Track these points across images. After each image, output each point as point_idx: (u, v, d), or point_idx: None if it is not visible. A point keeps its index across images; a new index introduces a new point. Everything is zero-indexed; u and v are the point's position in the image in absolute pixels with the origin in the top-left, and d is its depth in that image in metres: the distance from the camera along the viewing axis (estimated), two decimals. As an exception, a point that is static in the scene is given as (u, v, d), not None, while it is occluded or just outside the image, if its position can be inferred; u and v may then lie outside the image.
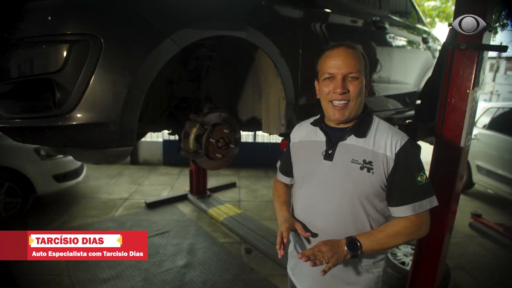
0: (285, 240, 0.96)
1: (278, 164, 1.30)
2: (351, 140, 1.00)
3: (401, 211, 0.97)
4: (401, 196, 0.97)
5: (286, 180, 1.26)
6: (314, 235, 1.04)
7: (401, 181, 0.96)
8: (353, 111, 0.99)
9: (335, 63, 0.97)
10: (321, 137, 1.07)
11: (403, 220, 0.97)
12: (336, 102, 0.98)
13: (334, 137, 1.04)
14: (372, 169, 0.96)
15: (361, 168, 0.97)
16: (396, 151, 0.95)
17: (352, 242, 0.94)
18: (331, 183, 1.02)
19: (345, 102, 0.97)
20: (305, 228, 1.06)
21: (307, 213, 1.08)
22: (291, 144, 1.19)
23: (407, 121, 3.00)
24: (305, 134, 1.13)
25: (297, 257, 0.93)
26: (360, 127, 1.01)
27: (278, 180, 1.30)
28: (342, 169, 1.00)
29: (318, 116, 1.13)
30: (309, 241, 1.07)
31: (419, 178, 0.96)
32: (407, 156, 0.96)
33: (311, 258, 0.90)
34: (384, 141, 0.97)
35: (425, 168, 0.99)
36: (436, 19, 10.93)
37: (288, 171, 1.22)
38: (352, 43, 1.01)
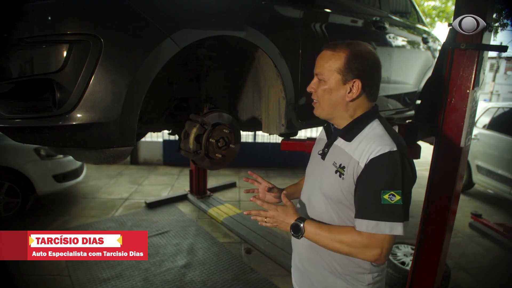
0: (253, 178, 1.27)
1: None
2: (340, 142, 1.00)
3: (356, 223, 0.91)
4: (359, 207, 0.91)
5: None
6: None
7: (363, 192, 0.89)
8: (324, 110, 1.00)
9: (315, 63, 1.00)
10: (324, 136, 1.12)
11: (355, 232, 0.90)
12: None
13: (332, 138, 1.06)
14: (343, 174, 0.93)
15: (335, 172, 0.96)
16: (367, 160, 0.88)
17: (296, 227, 0.96)
18: (317, 181, 1.04)
19: (315, 101, 1.01)
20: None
21: (300, 207, 1.13)
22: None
23: (407, 121, 2.99)
24: (322, 133, 1.18)
25: (244, 213, 1.04)
26: (349, 130, 0.98)
27: None
28: (325, 170, 1.01)
29: None
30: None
31: (385, 196, 0.85)
32: (379, 168, 0.87)
33: (253, 214, 1.01)
34: (363, 148, 0.91)
35: (400, 190, 0.86)
36: (436, 19, 10.93)
37: None
38: (340, 42, 0.97)
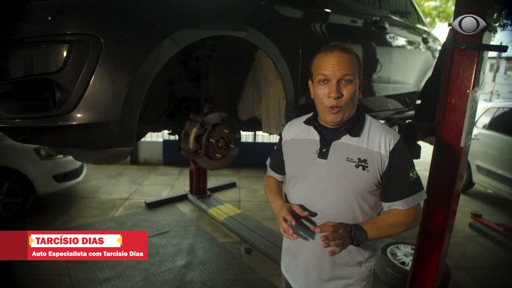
0: (293, 223, 0.98)
1: (268, 161, 1.31)
2: (346, 139, 1.03)
3: (396, 206, 1.02)
4: (397, 192, 1.01)
5: (277, 177, 1.28)
6: (311, 226, 1.07)
7: (396, 178, 1.00)
8: (346, 113, 1.01)
9: (329, 67, 0.97)
10: (314, 135, 1.08)
11: (401, 211, 1.02)
12: (331, 106, 0.99)
13: (328, 136, 1.06)
14: (367, 167, 0.99)
15: (356, 166, 1.00)
16: (390, 149, 0.99)
17: (358, 231, 0.98)
18: (327, 181, 1.03)
19: (340, 106, 0.98)
20: (300, 218, 1.08)
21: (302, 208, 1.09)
22: (283, 142, 1.19)
23: (407, 121, 3.00)
24: (298, 132, 1.14)
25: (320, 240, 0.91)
26: (355, 126, 1.03)
27: (269, 175, 1.32)
28: (338, 168, 1.01)
29: (311, 115, 1.14)
30: (304, 236, 1.08)
31: (411, 174, 1.01)
32: (400, 154, 1.00)
33: (330, 238, 0.91)
34: (378, 140, 1.01)
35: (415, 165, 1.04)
36: (436, 19, 10.94)
37: (279, 168, 1.24)
38: (346, 46, 1.02)
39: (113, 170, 5.26)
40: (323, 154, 1.04)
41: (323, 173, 1.03)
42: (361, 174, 1.00)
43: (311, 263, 1.09)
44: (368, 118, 1.07)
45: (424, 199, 1.06)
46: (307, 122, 1.12)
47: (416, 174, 1.03)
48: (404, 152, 1.01)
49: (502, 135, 4.28)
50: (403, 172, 1.00)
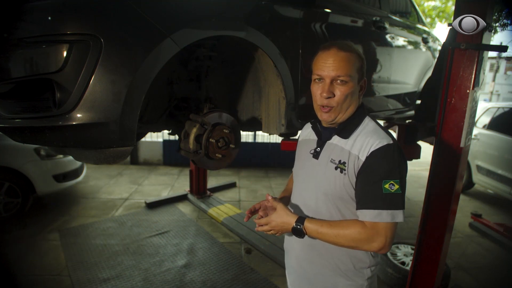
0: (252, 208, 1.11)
1: None
2: (335, 140, 1.01)
3: (359, 214, 0.92)
4: (361, 199, 0.92)
5: None
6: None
7: (365, 183, 0.92)
8: (339, 113, 0.98)
9: (324, 66, 0.95)
10: (314, 136, 1.10)
11: (358, 224, 0.91)
12: (322, 105, 0.98)
13: (324, 137, 1.06)
14: (344, 169, 0.95)
15: (336, 168, 0.97)
16: (368, 153, 0.91)
17: (297, 230, 0.96)
18: (313, 181, 1.04)
19: (330, 106, 0.97)
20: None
21: (294, 208, 1.11)
22: (298, 143, 1.23)
23: (407, 121, 3.00)
24: (306, 133, 1.17)
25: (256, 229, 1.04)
26: (345, 128, 1.00)
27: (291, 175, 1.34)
28: (322, 168, 1.01)
29: None
30: (292, 236, 1.09)
31: (386, 186, 0.88)
32: (379, 159, 0.90)
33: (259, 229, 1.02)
34: (361, 143, 0.94)
35: (401, 179, 0.90)
36: (436, 19, 10.94)
37: None
38: (346, 43, 0.98)
39: (113, 170, 5.26)
40: (316, 154, 1.05)
41: (312, 172, 1.04)
42: (338, 177, 0.95)
43: (300, 263, 1.11)
44: (366, 121, 1.01)
45: (396, 222, 0.89)
46: (312, 123, 1.14)
47: (398, 190, 0.88)
48: (386, 159, 0.90)
49: (502, 135, 4.27)
50: (374, 179, 0.89)
